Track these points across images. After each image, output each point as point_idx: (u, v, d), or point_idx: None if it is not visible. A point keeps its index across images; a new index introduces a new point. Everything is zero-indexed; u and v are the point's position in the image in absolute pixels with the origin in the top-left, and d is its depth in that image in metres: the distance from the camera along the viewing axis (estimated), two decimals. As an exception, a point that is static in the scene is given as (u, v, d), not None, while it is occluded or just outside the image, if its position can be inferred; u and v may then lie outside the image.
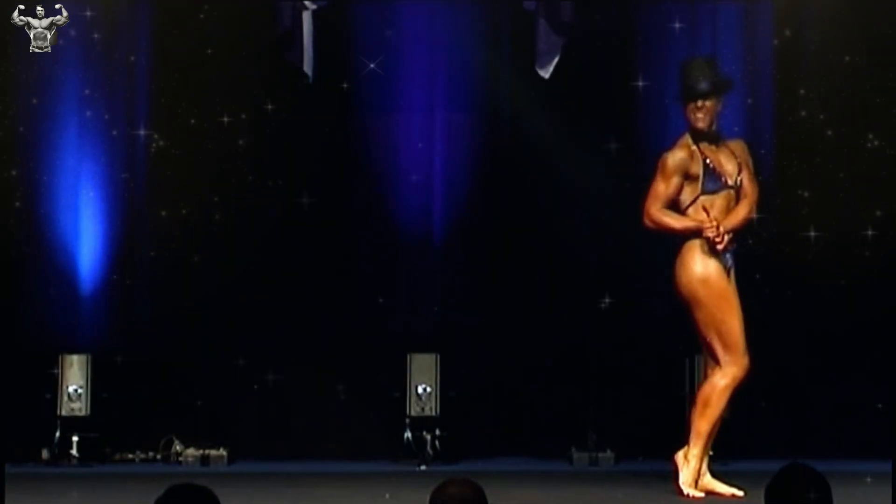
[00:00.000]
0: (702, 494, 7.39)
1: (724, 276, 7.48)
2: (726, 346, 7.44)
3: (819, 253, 9.51)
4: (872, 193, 9.48)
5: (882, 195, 9.44)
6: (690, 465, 7.43)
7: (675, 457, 7.50)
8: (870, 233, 9.46)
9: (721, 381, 7.47)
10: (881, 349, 8.98)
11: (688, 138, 7.62)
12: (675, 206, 7.58)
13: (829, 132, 9.59)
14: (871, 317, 9.20)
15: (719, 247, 7.43)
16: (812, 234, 9.57)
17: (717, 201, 7.53)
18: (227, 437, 9.53)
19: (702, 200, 7.52)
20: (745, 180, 7.64)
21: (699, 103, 7.57)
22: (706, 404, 7.47)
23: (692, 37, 9.74)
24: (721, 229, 7.42)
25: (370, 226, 9.76)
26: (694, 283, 7.46)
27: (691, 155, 7.54)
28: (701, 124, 7.58)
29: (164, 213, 9.72)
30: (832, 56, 9.55)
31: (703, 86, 7.58)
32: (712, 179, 7.53)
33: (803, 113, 9.64)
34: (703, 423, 7.47)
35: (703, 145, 7.58)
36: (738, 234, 7.62)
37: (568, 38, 9.55)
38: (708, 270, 7.45)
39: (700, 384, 7.75)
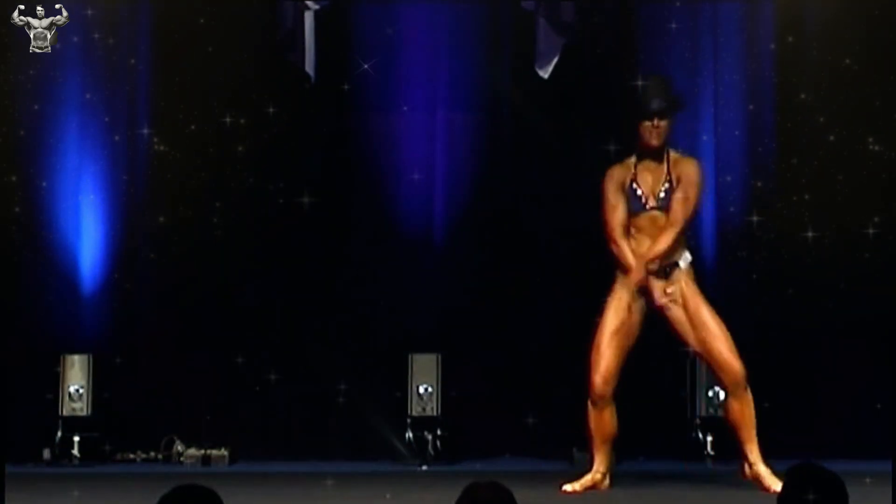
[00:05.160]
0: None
1: (625, 308, 7.69)
2: (716, 367, 7.68)
3: (819, 254, 9.52)
4: (872, 196, 9.51)
5: (882, 197, 9.48)
6: (760, 467, 7.54)
7: (747, 475, 7.60)
8: (871, 231, 9.48)
9: (735, 405, 7.65)
10: (881, 349, 9.00)
11: (633, 157, 7.76)
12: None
13: (830, 136, 9.61)
14: (871, 317, 9.21)
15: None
16: (811, 234, 9.59)
17: (640, 222, 7.70)
18: (228, 437, 9.54)
19: (631, 222, 7.71)
20: (674, 203, 7.66)
21: (655, 122, 7.66)
22: (739, 427, 7.65)
23: (692, 37, 9.75)
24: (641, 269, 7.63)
25: (371, 225, 9.76)
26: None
27: (626, 173, 7.73)
28: (655, 141, 7.70)
29: (164, 213, 9.74)
30: (832, 59, 9.56)
31: (656, 104, 7.67)
32: (632, 201, 7.68)
33: (804, 112, 9.67)
34: (745, 432, 7.61)
35: (644, 163, 7.71)
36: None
37: (568, 37, 9.56)
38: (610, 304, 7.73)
39: (725, 411, 7.82)
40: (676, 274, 7.69)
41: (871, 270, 9.46)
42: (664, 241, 7.63)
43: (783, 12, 9.68)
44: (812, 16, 9.60)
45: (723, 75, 9.72)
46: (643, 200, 7.67)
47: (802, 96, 9.64)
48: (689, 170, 7.72)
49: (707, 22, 9.76)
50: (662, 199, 7.65)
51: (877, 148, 9.57)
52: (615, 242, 7.72)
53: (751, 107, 9.71)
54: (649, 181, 7.68)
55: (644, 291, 7.68)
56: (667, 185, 7.66)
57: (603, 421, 7.70)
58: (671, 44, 9.67)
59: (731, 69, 9.71)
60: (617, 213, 7.70)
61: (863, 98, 9.55)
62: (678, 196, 7.64)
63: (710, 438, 9.29)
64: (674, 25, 9.72)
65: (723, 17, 9.77)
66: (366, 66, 9.67)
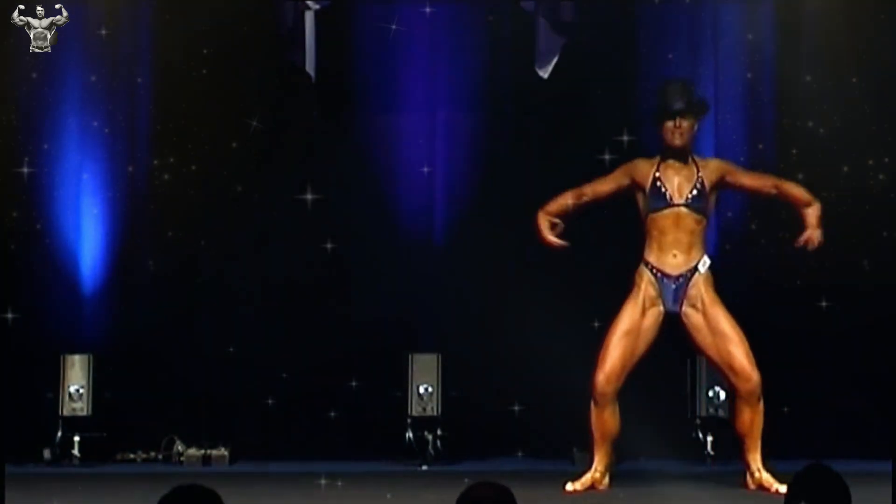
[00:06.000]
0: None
1: (640, 310, 7.78)
2: (732, 372, 7.69)
3: (822, 262, 9.52)
4: (872, 203, 9.53)
5: (882, 204, 9.50)
6: (763, 473, 7.58)
7: (751, 487, 7.63)
8: (870, 242, 9.51)
9: (747, 414, 7.66)
10: (881, 351, 9.01)
11: (657, 157, 7.86)
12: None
13: (831, 144, 9.62)
14: (871, 321, 9.23)
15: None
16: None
17: (663, 220, 7.77)
18: (228, 437, 9.54)
19: (650, 217, 7.80)
20: (751, 180, 7.99)
21: (677, 122, 7.74)
22: (747, 436, 7.68)
23: (692, 37, 9.75)
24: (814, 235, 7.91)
25: (371, 225, 9.76)
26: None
27: (649, 169, 7.82)
28: (678, 141, 7.80)
29: (164, 213, 9.74)
30: (834, 71, 9.58)
31: (678, 104, 7.79)
32: (656, 197, 7.75)
33: (809, 123, 9.69)
34: (752, 441, 7.64)
35: (668, 163, 7.82)
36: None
37: (568, 37, 9.56)
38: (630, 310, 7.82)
39: (734, 419, 7.83)
40: (696, 279, 7.70)
41: (871, 274, 9.47)
42: (795, 190, 8.01)
43: (783, 16, 9.69)
44: (813, 28, 9.61)
45: (723, 77, 9.71)
46: (668, 197, 7.74)
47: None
48: (720, 163, 8.01)
49: (707, 20, 9.76)
50: (694, 196, 7.74)
51: (881, 172, 9.61)
52: (563, 197, 7.95)
53: (750, 111, 9.72)
54: (675, 180, 7.78)
55: (667, 295, 7.69)
56: (699, 186, 7.75)
57: (603, 420, 7.71)
58: (671, 44, 9.68)
59: (731, 65, 9.70)
60: (598, 185, 7.96)
61: (864, 115, 9.56)
62: (746, 177, 7.99)
63: (710, 438, 9.30)
64: (674, 25, 9.73)
65: (723, 16, 9.77)
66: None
